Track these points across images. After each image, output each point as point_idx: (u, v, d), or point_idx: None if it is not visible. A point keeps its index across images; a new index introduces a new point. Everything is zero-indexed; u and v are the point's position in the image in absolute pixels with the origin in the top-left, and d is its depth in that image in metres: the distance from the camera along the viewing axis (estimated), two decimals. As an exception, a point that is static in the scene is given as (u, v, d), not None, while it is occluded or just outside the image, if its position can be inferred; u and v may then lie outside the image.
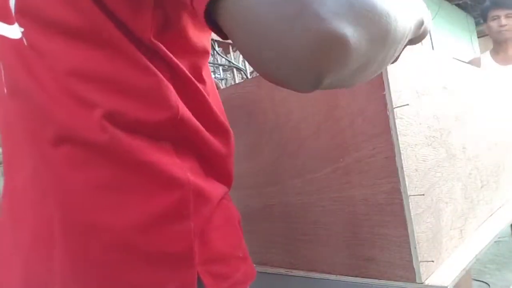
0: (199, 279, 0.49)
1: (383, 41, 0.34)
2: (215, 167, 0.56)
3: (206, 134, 0.54)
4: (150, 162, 0.48)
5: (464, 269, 0.68)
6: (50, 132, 0.48)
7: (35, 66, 0.49)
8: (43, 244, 0.49)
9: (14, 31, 0.51)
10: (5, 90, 0.53)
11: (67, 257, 0.47)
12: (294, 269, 0.80)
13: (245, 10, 0.32)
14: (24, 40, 0.49)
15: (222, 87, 1.04)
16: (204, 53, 0.55)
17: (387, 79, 0.64)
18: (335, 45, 0.30)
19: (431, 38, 3.57)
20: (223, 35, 0.36)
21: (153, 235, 0.47)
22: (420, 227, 0.65)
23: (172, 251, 0.48)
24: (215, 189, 0.54)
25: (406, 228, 0.64)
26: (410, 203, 0.63)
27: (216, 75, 1.58)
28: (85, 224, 0.47)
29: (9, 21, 0.52)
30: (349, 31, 0.30)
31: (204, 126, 0.54)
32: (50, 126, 0.48)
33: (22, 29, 0.49)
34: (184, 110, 0.51)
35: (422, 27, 0.47)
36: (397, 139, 0.63)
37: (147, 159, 0.48)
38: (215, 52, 1.48)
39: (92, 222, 0.47)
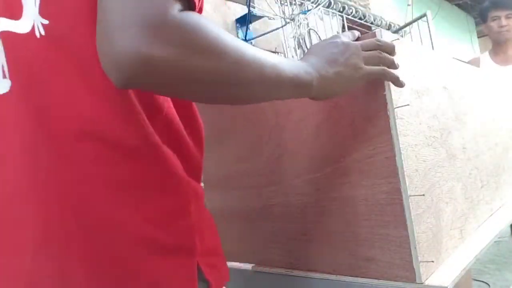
0: (198, 268, 0.54)
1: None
2: (194, 168, 0.59)
3: (186, 135, 0.57)
4: (163, 161, 0.52)
5: (464, 269, 0.68)
6: (73, 127, 0.49)
7: (54, 59, 0.50)
8: (54, 242, 0.49)
9: (22, 26, 0.52)
10: (8, 86, 0.53)
11: (88, 253, 0.48)
12: (294, 269, 0.80)
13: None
14: (40, 32, 0.50)
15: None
16: None
17: (387, 79, 0.64)
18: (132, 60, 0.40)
19: (431, 38, 3.57)
20: None
21: (167, 229, 0.52)
22: (420, 227, 0.65)
23: (181, 244, 0.53)
24: (201, 188, 0.59)
25: (406, 228, 0.64)
26: (410, 203, 0.63)
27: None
28: (107, 219, 0.49)
29: (16, 17, 0.53)
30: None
31: (184, 126, 0.57)
32: (73, 120, 0.49)
33: (46, 21, 0.51)
34: (170, 108, 0.54)
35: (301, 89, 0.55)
36: (397, 139, 0.63)
37: (161, 157, 0.52)
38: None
39: (114, 217, 0.49)
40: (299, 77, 0.54)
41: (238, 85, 0.48)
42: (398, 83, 0.64)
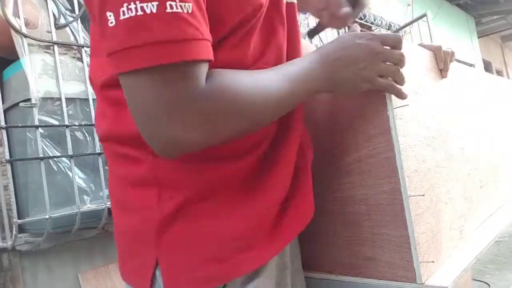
0: None
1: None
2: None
3: None
4: None
5: (464, 269, 0.68)
6: (99, 131, 0.65)
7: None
8: None
9: None
10: None
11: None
12: (294, 269, 0.80)
13: (128, 94, 0.48)
14: None
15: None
16: None
17: (387, 80, 0.64)
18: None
19: (431, 38, 3.57)
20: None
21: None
22: (420, 228, 0.65)
23: None
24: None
25: (406, 229, 0.64)
26: (410, 204, 0.63)
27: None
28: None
29: None
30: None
31: None
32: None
33: None
34: None
35: None
36: (397, 139, 0.63)
37: None
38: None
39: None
40: (313, 90, 0.61)
41: (258, 126, 0.58)
42: (401, 96, 0.64)
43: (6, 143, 1.51)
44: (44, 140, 1.55)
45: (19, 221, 1.48)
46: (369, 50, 0.60)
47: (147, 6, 0.41)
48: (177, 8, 0.43)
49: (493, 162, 1.07)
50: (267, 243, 0.60)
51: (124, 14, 0.42)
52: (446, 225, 0.74)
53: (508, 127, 1.24)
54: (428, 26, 3.61)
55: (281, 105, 0.58)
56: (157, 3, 0.42)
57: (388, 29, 3.70)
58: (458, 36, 6.62)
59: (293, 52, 0.66)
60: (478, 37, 7.64)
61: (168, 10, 0.42)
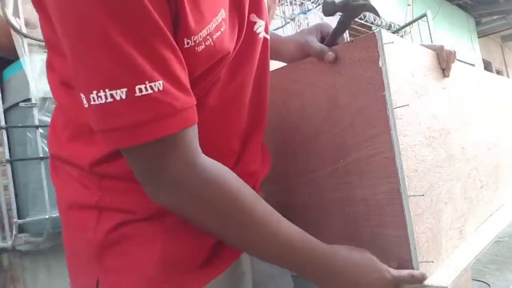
0: None
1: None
2: None
3: None
4: None
5: (464, 269, 0.68)
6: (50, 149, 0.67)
7: None
8: None
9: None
10: None
11: None
12: (294, 269, 0.80)
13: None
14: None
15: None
16: None
17: (387, 79, 0.64)
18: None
19: (431, 38, 3.57)
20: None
21: None
22: (420, 228, 0.65)
23: None
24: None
25: (405, 229, 0.64)
26: (410, 204, 0.63)
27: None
28: None
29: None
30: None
31: None
32: None
33: None
34: None
35: None
36: (397, 139, 0.63)
37: None
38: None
39: None
40: (299, 270, 0.62)
41: (227, 239, 0.58)
42: None
43: (6, 143, 1.51)
44: (44, 140, 1.55)
45: (19, 221, 1.48)
46: None
47: (116, 93, 0.43)
48: (146, 91, 0.44)
49: (494, 162, 1.06)
50: (207, 266, 0.59)
51: (94, 101, 0.44)
52: (446, 225, 0.74)
53: (509, 127, 1.24)
54: (428, 26, 3.61)
55: (264, 246, 0.58)
56: (126, 89, 0.43)
57: (388, 29, 3.69)
58: (458, 36, 6.62)
59: (260, 79, 0.68)
60: (478, 37, 7.64)
61: (137, 94, 0.44)
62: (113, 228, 0.56)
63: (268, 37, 0.69)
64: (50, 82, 0.61)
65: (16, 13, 1.55)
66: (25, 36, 1.55)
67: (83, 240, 0.58)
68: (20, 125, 1.54)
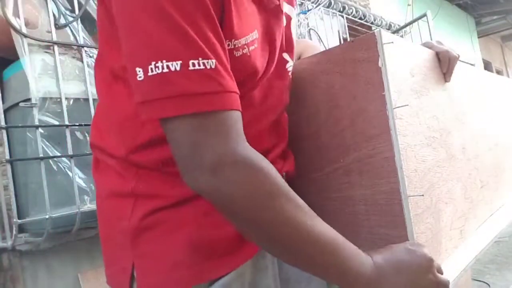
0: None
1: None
2: None
3: None
4: None
5: (464, 269, 0.68)
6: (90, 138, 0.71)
7: None
8: None
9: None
10: None
11: None
12: (294, 269, 0.80)
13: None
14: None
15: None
16: None
17: (387, 79, 0.64)
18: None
19: (431, 38, 3.57)
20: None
21: None
22: (420, 228, 0.65)
23: None
24: None
25: (405, 229, 0.64)
26: (409, 204, 0.63)
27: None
28: None
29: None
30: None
31: None
32: None
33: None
34: None
35: None
36: (397, 139, 0.63)
37: None
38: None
39: None
40: (339, 277, 0.55)
41: (261, 241, 0.55)
42: None
43: (6, 143, 1.50)
44: (44, 140, 1.55)
45: (19, 221, 1.48)
46: None
47: (171, 64, 0.47)
48: (199, 66, 0.48)
49: (494, 162, 1.06)
50: (232, 253, 0.60)
51: (152, 71, 0.47)
52: (446, 225, 0.74)
53: (509, 126, 1.23)
54: (428, 26, 3.61)
55: (301, 252, 0.54)
56: (180, 62, 0.47)
57: (388, 29, 3.69)
58: (458, 36, 6.62)
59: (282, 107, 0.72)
60: (478, 37, 7.64)
61: (191, 68, 0.47)
62: (146, 214, 0.59)
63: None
64: (97, 79, 0.66)
65: (16, 13, 1.55)
66: (25, 36, 1.55)
67: (120, 227, 0.61)
68: (20, 125, 1.54)
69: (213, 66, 0.48)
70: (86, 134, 1.68)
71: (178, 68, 0.47)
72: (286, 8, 0.68)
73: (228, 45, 0.53)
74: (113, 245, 0.65)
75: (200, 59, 0.48)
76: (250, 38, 0.56)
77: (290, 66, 0.71)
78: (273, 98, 0.68)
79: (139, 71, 0.48)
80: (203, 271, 0.59)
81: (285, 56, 0.70)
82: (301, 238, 0.52)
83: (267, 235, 0.53)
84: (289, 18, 0.70)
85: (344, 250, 0.55)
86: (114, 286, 0.66)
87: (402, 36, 3.78)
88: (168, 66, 0.47)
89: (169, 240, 0.59)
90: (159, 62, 0.47)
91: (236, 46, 0.54)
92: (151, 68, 0.47)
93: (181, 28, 0.47)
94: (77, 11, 1.76)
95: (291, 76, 0.73)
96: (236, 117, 0.51)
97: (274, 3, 0.63)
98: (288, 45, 0.70)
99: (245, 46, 0.55)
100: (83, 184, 1.63)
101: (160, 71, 0.47)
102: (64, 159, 1.59)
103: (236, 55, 0.54)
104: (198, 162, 0.49)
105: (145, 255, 0.60)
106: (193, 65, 0.47)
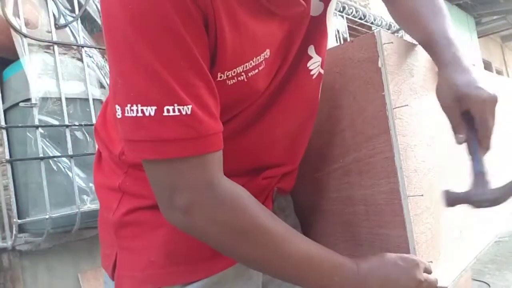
0: None
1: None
2: None
3: None
4: None
5: (464, 269, 0.68)
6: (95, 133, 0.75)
7: None
8: None
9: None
10: None
11: None
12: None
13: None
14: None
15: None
16: None
17: (387, 80, 0.64)
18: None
19: (431, 38, 3.56)
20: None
21: None
22: (419, 228, 0.65)
23: None
24: None
25: (405, 229, 0.64)
26: (409, 204, 0.63)
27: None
28: None
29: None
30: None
31: None
32: None
33: None
34: None
35: None
36: (396, 139, 0.63)
37: None
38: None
39: None
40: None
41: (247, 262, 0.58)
42: None
43: (6, 143, 1.51)
44: (44, 140, 1.55)
45: (19, 221, 1.48)
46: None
47: (146, 109, 0.48)
48: (174, 112, 0.48)
49: (494, 162, 1.06)
50: (210, 260, 0.61)
51: (127, 113, 0.48)
52: (445, 225, 0.74)
53: (509, 126, 1.23)
54: (428, 26, 3.60)
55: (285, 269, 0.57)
56: (155, 107, 0.47)
57: (388, 29, 3.69)
58: (458, 36, 6.62)
59: (304, 115, 0.69)
60: (478, 37, 7.64)
61: (165, 114, 0.47)
62: (129, 211, 0.63)
63: (323, 72, 0.68)
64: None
65: (16, 13, 1.55)
66: (25, 36, 1.55)
67: (108, 218, 0.65)
68: (20, 125, 1.54)
69: (188, 112, 0.48)
70: (86, 134, 1.68)
71: (152, 114, 0.47)
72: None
73: (221, 77, 0.53)
74: (105, 230, 0.68)
75: (175, 105, 0.48)
76: (253, 63, 0.55)
77: (314, 63, 0.65)
78: (277, 109, 0.64)
79: (118, 109, 0.49)
80: (176, 274, 0.61)
81: (310, 50, 0.65)
82: (275, 265, 0.56)
83: (244, 262, 0.58)
84: (327, 2, 0.65)
85: (321, 267, 0.57)
86: (104, 268, 0.70)
87: (402, 36, 3.78)
88: (142, 111, 0.47)
89: (146, 239, 0.62)
90: (134, 105, 0.48)
91: (229, 76, 0.54)
92: (127, 110, 0.48)
93: (158, 73, 0.47)
94: (77, 11, 1.76)
95: (316, 75, 0.66)
96: (211, 159, 0.52)
97: (300, 8, 0.58)
98: (316, 37, 0.64)
99: (242, 74, 0.55)
100: (83, 184, 1.63)
101: (135, 114, 0.48)
102: (64, 159, 1.59)
103: (229, 84, 0.54)
104: (173, 203, 0.52)
105: (125, 248, 0.63)
106: (168, 111, 0.47)
